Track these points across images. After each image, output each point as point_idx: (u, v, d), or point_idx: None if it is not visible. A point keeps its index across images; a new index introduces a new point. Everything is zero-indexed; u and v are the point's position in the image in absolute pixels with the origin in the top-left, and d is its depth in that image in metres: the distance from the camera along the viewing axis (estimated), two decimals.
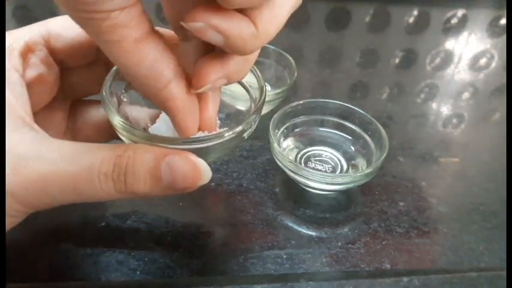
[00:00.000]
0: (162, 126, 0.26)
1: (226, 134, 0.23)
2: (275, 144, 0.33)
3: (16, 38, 0.24)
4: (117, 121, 0.23)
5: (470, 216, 0.35)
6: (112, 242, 0.30)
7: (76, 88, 0.29)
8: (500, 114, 0.49)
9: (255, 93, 0.27)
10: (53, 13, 0.28)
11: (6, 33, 0.24)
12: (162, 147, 0.22)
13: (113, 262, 0.29)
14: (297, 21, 0.61)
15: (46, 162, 0.20)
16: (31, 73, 0.24)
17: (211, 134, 0.24)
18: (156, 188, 0.21)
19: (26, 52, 0.24)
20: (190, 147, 0.22)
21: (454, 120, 0.47)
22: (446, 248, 0.33)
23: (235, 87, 0.28)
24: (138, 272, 0.29)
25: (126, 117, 0.26)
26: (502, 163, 0.39)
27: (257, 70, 0.27)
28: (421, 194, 0.37)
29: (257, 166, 0.38)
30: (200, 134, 0.24)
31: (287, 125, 0.38)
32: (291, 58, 0.43)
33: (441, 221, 0.35)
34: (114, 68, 0.26)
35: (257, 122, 0.25)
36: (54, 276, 0.28)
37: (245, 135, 0.25)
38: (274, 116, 0.36)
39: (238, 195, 0.35)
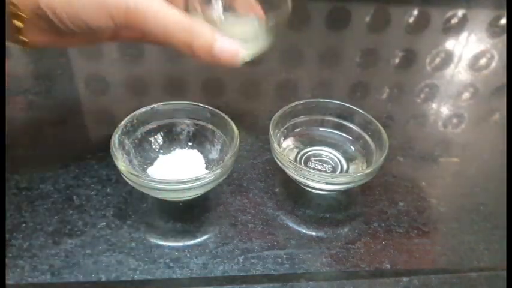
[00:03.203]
0: (158, 169, 0.34)
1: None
2: (275, 144, 0.33)
3: None
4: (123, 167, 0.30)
5: (470, 216, 0.35)
6: (112, 242, 0.30)
7: None
8: (500, 114, 0.49)
9: None
10: None
11: None
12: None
13: (113, 262, 0.29)
14: (297, 21, 0.61)
15: None
16: None
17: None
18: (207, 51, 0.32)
19: None
20: (177, 187, 0.30)
21: (454, 120, 0.47)
22: (446, 248, 0.33)
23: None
24: (138, 272, 0.29)
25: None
26: (502, 163, 0.39)
27: None
28: (421, 194, 0.37)
29: (257, 166, 0.38)
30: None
31: (287, 125, 0.38)
32: None
33: (441, 221, 0.35)
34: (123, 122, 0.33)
35: None
36: (54, 276, 0.28)
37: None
38: (274, 116, 0.36)
39: (238, 195, 0.35)
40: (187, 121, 0.36)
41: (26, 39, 0.31)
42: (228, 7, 0.39)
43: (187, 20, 0.31)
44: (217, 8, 0.38)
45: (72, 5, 0.29)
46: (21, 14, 0.29)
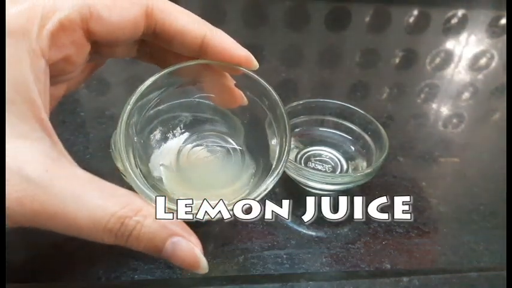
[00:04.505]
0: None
1: None
2: None
3: (50, 11, 0.20)
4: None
5: (470, 216, 0.35)
6: None
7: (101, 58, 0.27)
8: (500, 114, 0.49)
9: None
10: None
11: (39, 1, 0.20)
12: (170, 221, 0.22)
13: (113, 262, 0.29)
14: (297, 21, 0.61)
15: (56, 200, 0.19)
16: (56, 54, 0.21)
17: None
18: (153, 254, 0.22)
19: (58, 31, 0.21)
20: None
21: (454, 120, 0.47)
22: (446, 248, 0.33)
23: None
24: (138, 272, 0.29)
25: None
26: (502, 163, 0.39)
27: None
28: (421, 194, 0.37)
29: None
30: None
31: None
32: (270, 89, 0.27)
33: (441, 221, 0.35)
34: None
35: None
36: (54, 277, 0.28)
37: None
38: None
39: None
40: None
41: None
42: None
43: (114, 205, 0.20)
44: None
45: None
46: None
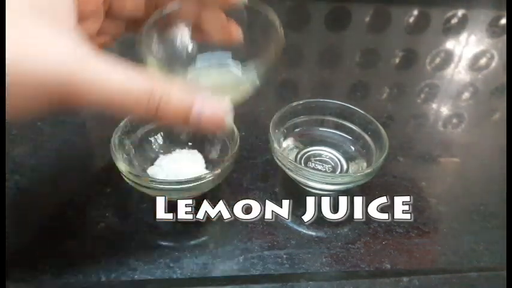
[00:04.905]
0: (157, 168, 0.34)
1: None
2: (275, 144, 0.33)
3: None
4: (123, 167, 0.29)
5: (470, 216, 0.35)
6: (112, 242, 0.30)
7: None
8: (500, 114, 0.49)
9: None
10: None
11: None
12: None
13: (113, 262, 0.29)
14: (297, 21, 0.61)
15: (92, 74, 0.22)
16: None
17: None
18: (181, 121, 0.23)
19: None
20: (177, 187, 0.29)
21: (454, 120, 0.47)
22: (446, 248, 0.33)
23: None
24: (138, 272, 0.29)
25: None
26: (502, 163, 0.39)
27: None
28: (421, 194, 0.37)
29: (257, 166, 0.38)
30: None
31: (287, 125, 0.38)
32: (274, 16, 0.29)
33: (441, 221, 0.35)
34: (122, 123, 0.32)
35: None
36: (54, 276, 0.28)
37: None
38: (274, 116, 0.36)
39: (238, 195, 0.35)
40: None
41: None
42: (196, 37, 0.31)
43: (141, 83, 0.22)
44: (184, 48, 0.31)
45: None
46: None
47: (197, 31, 0.31)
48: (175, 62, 0.30)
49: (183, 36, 0.31)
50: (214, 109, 0.24)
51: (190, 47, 0.32)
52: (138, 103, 0.22)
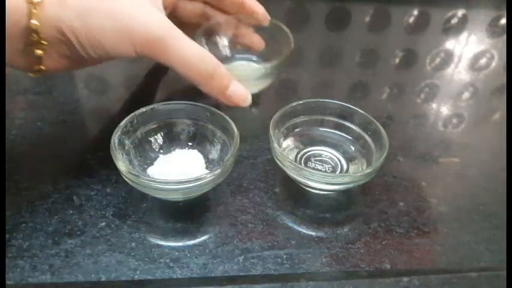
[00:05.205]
0: (157, 168, 0.34)
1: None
2: (275, 144, 0.33)
3: None
4: (123, 167, 0.30)
5: (470, 216, 0.35)
6: (112, 242, 0.30)
7: None
8: (500, 114, 0.49)
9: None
10: None
11: None
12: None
13: (113, 262, 0.29)
14: (297, 21, 0.61)
15: (173, 36, 0.31)
16: None
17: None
18: (220, 94, 0.34)
19: None
20: (177, 187, 0.30)
21: (454, 120, 0.47)
22: (446, 248, 0.33)
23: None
24: (138, 272, 0.29)
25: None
26: (502, 163, 0.39)
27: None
28: (421, 194, 0.37)
29: (257, 166, 0.38)
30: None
31: (287, 125, 0.38)
32: (287, 30, 0.44)
33: (441, 221, 0.35)
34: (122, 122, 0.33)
35: None
36: (54, 276, 0.28)
37: None
38: (274, 116, 0.36)
39: (238, 195, 0.35)
40: (187, 121, 0.36)
41: (44, 68, 0.31)
42: (232, 43, 0.45)
43: (209, 57, 0.32)
44: (224, 49, 0.45)
45: (94, 34, 0.29)
46: (43, 41, 0.29)
47: (233, 39, 0.45)
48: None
49: (223, 41, 0.45)
50: (242, 89, 0.34)
51: (227, 49, 0.45)
52: (205, 70, 0.32)
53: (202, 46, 0.38)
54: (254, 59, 0.46)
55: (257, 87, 0.43)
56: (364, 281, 0.30)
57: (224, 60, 0.43)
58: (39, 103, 0.43)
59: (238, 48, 0.45)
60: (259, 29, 0.44)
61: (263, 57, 0.45)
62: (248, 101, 0.34)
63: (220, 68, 0.33)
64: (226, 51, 0.45)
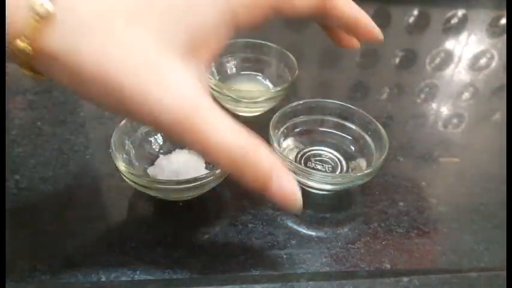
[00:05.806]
0: (157, 168, 0.34)
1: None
2: (275, 144, 0.33)
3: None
4: (123, 167, 0.30)
5: (470, 216, 0.35)
6: (112, 242, 0.30)
7: None
8: (500, 114, 0.49)
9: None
10: None
11: None
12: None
13: (113, 262, 0.29)
14: (297, 21, 0.61)
15: (203, 115, 0.21)
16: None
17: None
18: (260, 187, 0.23)
19: None
20: (177, 187, 0.30)
21: (454, 120, 0.47)
22: (446, 248, 0.33)
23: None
24: (138, 272, 0.29)
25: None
26: (502, 163, 0.39)
27: None
28: (421, 194, 0.37)
29: None
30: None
31: (287, 125, 0.38)
32: (292, 56, 0.44)
33: (441, 221, 0.35)
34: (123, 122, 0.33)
35: None
36: (54, 276, 0.28)
37: None
38: (274, 116, 0.36)
39: (238, 195, 0.35)
40: None
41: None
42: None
43: (241, 138, 0.22)
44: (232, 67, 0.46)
45: (78, 86, 0.21)
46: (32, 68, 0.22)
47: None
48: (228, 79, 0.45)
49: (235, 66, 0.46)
50: (291, 182, 0.23)
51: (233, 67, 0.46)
52: (238, 155, 0.22)
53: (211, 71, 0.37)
54: (263, 78, 0.46)
55: (261, 109, 0.42)
56: (364, 281, 0.30)
57: (235, 80, 0.45)
58: (39, 103, 0.43)
59: (245, 65, 0.46)
60: (262, 53, 0.45)
61: (272, 77, 0.46)
62: (296, 199, 0.24)
63: (261, 160, 0.23)
64: (232, 69, 0.46)
